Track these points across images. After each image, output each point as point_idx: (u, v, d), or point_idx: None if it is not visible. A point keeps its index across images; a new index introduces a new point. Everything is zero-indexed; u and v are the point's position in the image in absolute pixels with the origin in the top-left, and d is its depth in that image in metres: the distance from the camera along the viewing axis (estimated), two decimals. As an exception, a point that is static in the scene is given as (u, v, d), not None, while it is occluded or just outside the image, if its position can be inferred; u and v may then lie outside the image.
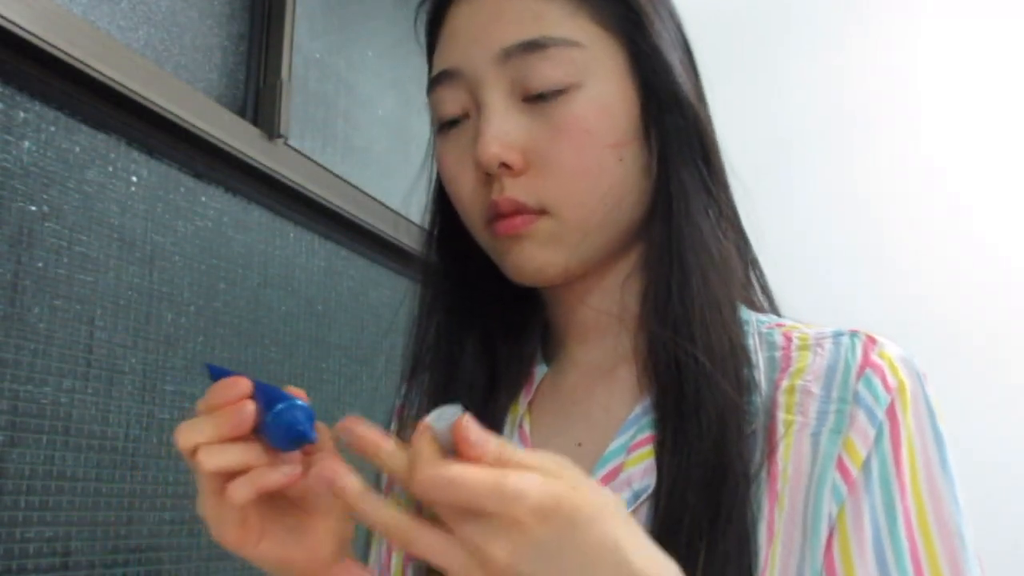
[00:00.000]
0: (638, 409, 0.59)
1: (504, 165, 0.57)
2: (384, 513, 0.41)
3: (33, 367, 0.88)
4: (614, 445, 0.58)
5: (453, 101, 0.60)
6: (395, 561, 0.68)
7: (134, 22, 1.10)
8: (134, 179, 1.05)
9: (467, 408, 0.52)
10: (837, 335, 0.58)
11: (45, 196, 0.92)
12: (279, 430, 0.46)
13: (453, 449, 0.41)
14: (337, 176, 1.40)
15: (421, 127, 1.77)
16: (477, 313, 0.67)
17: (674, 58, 0.61)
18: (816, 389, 0.55)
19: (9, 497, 0.84)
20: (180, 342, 1.08)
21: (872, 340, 0.57)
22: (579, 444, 0.61)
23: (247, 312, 1.21)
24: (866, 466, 0.52)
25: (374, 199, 1.50)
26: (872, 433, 0.53)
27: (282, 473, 0.48)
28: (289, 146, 1.30)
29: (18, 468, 0.86)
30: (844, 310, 0.66)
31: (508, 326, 0.68)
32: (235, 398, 0.48)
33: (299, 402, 0.47)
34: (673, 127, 0.60)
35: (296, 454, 0.49)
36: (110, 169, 1.02)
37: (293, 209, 1.33)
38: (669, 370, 0.56)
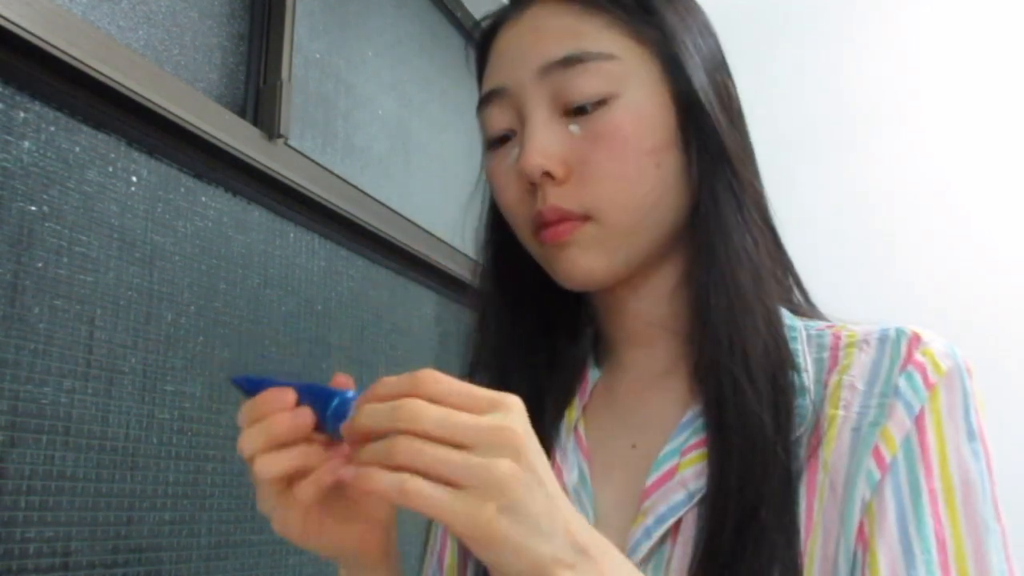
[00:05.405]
0: (690, 413, 0.61)
1: (547, 174, 0.59)
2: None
3: (33, 367, 0.88)
4: (668, 448, 0.60)
5: (500, 118, 0.63)
6: (450, 550, 0.70)
7: (134, 22, 1.10)
8: (134, 179, 1.05)
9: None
10: (883, 332, 0.60)
11: (45, 196, 0.92)
12: (338, 423, 0.50)
13: None
14: (337, 176, 1.40)
15: (421, 127, 1.78)
16: (532, 320, 0.70)
17: (700, 70, 0.63)
18: (860, 385, 0.57)
19: (9, 497, 0.84)
20: (180, 342, 1.08)
21: (917, 337, 0.58)
22: (633, 446, 0.63)
23: (247, 312, 1.21)
24: (899, 451, 0.54)
25: (374, 199, 1.50)
26: (908, 423, 0.54)
27: (333, 469, 0.51)
28: (289, 146, 1.29)
29: (18, 468, 0.86)
30: (842, 308, 0.66)
31: (562, 331, 0.72)
32: (284, 406, 0.51)
33: (349, 394, 0.51)
34: (702, 136, 0.62)
35: (344, 446, 0.52)
36: (110, 169, 1.02)
37: (293, 209, 1.33)
38: (713, 381, 0.58)
